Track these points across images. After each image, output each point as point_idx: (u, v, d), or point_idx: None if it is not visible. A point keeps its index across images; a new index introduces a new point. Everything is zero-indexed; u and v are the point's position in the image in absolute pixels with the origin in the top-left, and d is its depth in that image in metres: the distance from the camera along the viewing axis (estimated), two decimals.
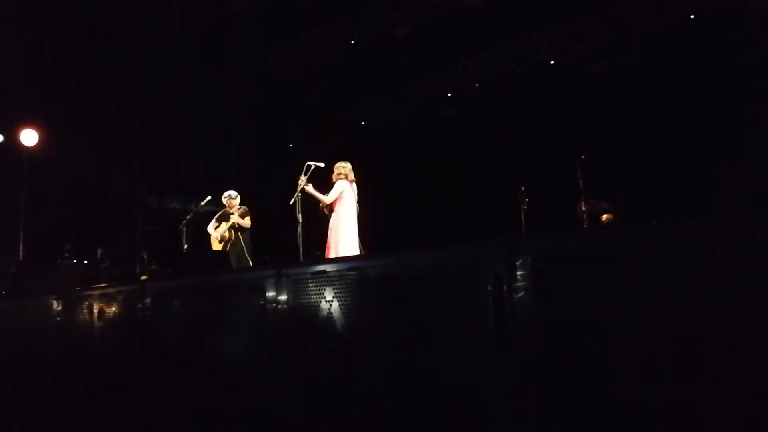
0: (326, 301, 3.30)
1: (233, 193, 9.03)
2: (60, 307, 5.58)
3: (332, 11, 13.12)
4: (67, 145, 12.80)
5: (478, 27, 11.94)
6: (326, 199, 7.62)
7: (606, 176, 8.81)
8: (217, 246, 8.93)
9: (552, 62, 12.25)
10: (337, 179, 7.70)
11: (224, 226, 8.85)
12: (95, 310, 5.11)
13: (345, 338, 3.24)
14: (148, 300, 4.63)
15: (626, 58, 11.24)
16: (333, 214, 7.66)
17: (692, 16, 10.52)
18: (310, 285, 3.42)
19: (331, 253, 7.50)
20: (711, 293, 2.17)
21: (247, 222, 8.87)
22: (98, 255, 13.01)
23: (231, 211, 8.86)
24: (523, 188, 8.60)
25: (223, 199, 9.02)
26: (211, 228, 9.02)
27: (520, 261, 2.58)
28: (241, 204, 9.04)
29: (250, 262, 8.80)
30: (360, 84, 14.20)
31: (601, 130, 10.51)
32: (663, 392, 2.22)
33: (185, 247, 9.17)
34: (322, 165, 7.89)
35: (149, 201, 15.06)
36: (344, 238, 7.49)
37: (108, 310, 5.02)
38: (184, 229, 9.15)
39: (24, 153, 11.65)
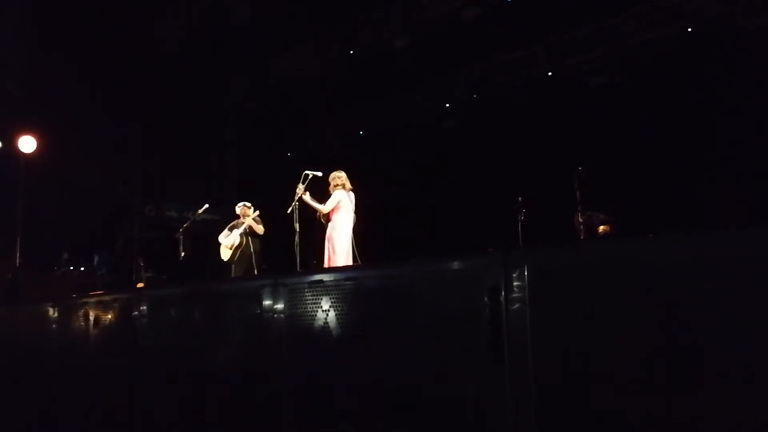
0: (323, 311, 3.30)
1: (248, 203, 9.09)
2: (56, 314, 5.56)
3: (332, 21, 13.18)
4: (65, 152, 12.81)
5: (476, 38, 11.99)
6: (324, 208, 7.62)
7: (603, 188, 8.82)
8: (226, 254, 8.90)
9: (550, 74, 12.29)
10: (333, 189, 7.70)
11: (236, 232, 8.84)
12: (91, 318, 5.09)
13: (341, 348, 3.24)
14: (144, 308, 4.62)
15: (624, 70, 11.28)
16: (329, 224, 7.66)
17: (689, 30, 10.58)
18: (307, 294, 3.41)
19: (326, 264, 7.49)
20: (709, 305, 2.17)
21: (260, 228, 8.87)
22: (95, 262, 12.97)
23: (244, 221, 8.88)
24: (520, 199, 8.60)
25: (237, 209, 9.07)
26: (222, 237, 9.01)
27: (517, 273, 2.58)
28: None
29: (256, 270, 8.74)
30: (358, 94, 14.24)
31: (599, 143, 10.54)
32: (664, 405, 2.22)
33: (182, 254, 9.16)
34: (320, 174, 7.90)
35: (147, 208, 15.06)
36: (339, 248, 7.48)
37: (104, 318, 5.01)
38: (182, 237, 9.15)
39: (22, 159, 11.65)
